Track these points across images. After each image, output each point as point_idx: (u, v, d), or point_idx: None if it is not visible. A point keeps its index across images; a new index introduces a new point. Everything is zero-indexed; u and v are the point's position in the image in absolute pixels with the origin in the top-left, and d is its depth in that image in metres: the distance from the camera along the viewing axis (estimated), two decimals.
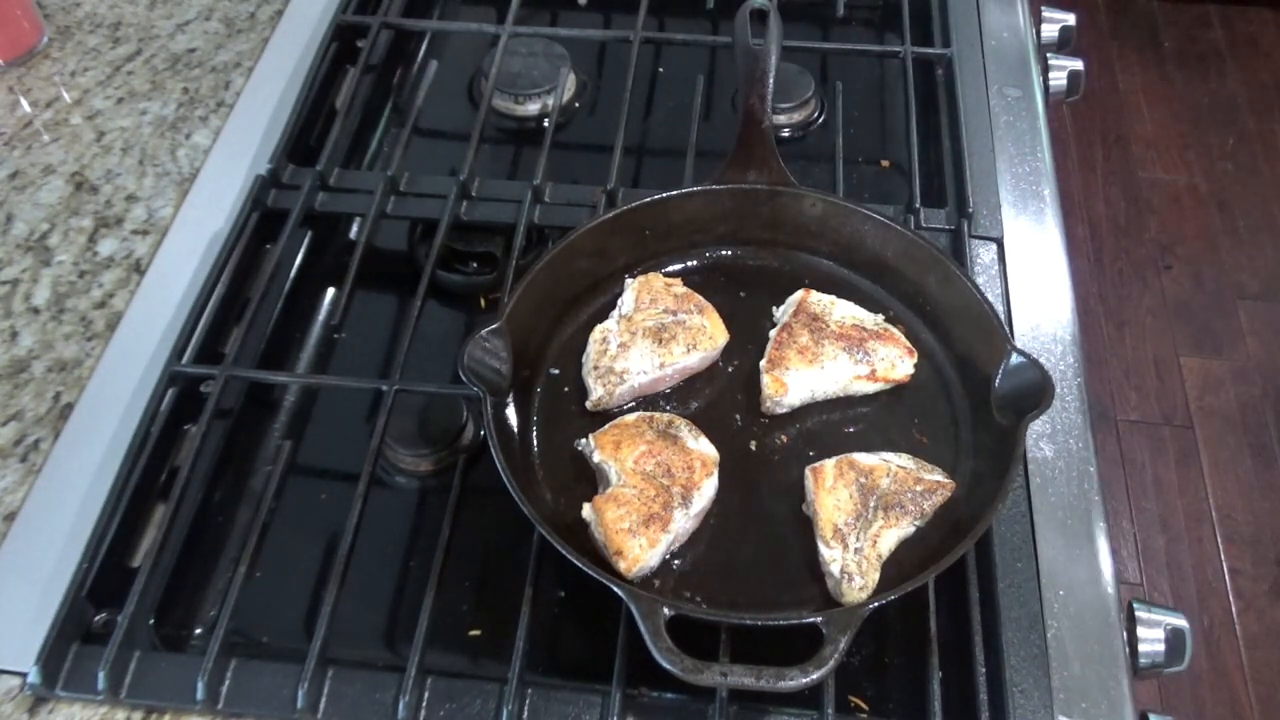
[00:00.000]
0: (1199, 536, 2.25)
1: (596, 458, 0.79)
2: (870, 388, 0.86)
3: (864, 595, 0.73)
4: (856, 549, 0.75)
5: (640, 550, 0.73)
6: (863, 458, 0.79)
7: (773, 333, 0.88)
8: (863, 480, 0.77)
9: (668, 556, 0.77)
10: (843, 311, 0.88)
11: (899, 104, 1.17)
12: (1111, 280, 2.71)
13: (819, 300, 0.88)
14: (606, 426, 0.81)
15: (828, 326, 0.86)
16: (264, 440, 0.92)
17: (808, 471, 0.79)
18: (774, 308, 0.91)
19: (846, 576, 0.74)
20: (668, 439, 0.79)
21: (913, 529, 0.78)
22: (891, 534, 0.76)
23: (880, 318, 0.89)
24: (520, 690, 0.72)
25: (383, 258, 1.05)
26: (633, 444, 0.78)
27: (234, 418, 0.91)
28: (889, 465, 0.79)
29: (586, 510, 0.76)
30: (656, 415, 0.81)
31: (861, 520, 0.76)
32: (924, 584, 0.74)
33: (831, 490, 0.76)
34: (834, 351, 0.84)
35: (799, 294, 0.89)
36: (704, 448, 0.79)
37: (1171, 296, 2.67)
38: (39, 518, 0.82)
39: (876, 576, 0.74)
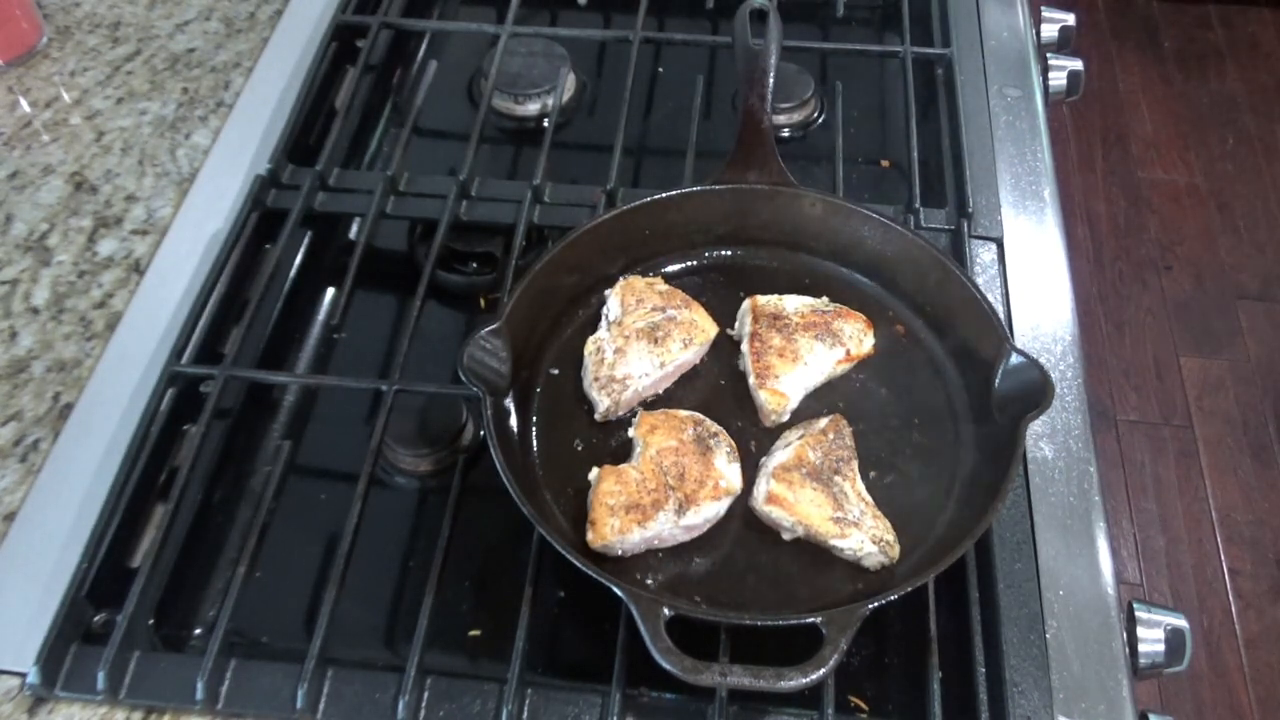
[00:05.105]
0: (1199, 536, 2.25)
1: (632, 431, 0.80)
2: (846, 368, 0.88)
3: (898, 545, 0.76)
4: (858, 518, 0.76)
5: (610, 531, 0.74)
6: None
7: (744, 348, 0.87)
8: (806, 465, 0.77)
9: (661, 555, 0.77)
10: (793, 304, 0.89)
11: (899, 104, 1.17)
12: (1111, 280, 2.71)
13: (768, 300, 0.89)
14: (660, 409, 0.82)
15: (791, 321, 0.86)
16: (264, 440, 0.92)
17: (764, 509, 0.77)
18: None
19: (880, 544, 0.75)
20: (701, 447, 0.78)
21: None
22: (852, 472, 0.78)
23: (825, 299, 0.90)
24: (520, 690, 0.72)
25: (382, 258, 1.05)
26: (667, 436, 0.78)
27: (234, 418, 0.91)
28: (803, 441, 0.79)
29: (594, 472, 0.77)
30: (708, 422, 0.81)
31: (839, 494, 0.76)
32: (924, 584, 0.74)
33: (798, 495, 0.76)
34: (809, 344, 0.85)
35: (747, 303, 0.89)
36: (729, 472, 0.78)
37: (1171, 296, 2.67)
38: (38, 518, 0.82)
39: (888, 522, 0.77)
